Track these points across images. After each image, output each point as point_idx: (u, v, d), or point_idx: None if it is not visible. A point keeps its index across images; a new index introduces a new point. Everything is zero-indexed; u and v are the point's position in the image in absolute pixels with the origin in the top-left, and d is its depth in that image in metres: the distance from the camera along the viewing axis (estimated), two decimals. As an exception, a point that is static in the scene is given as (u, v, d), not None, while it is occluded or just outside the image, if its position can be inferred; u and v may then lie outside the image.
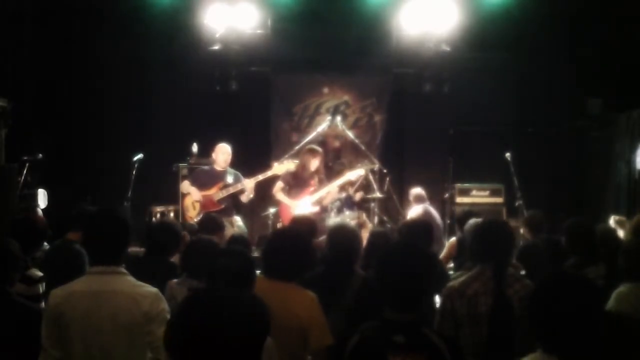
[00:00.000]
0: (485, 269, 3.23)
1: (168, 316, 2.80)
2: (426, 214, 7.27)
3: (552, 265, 4.30)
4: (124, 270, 2.85)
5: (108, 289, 2.77)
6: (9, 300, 3.10)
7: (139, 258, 4.44)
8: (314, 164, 7.10)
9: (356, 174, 7.30)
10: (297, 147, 8.12)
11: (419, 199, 7.63)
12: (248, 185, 6.96)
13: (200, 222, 5.24)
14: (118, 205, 7.11)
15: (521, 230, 7.32)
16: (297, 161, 7.28)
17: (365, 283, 3.61)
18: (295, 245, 3.28)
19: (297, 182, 7.17)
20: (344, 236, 3.87)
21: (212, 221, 4.99)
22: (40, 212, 6.04)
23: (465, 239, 4.79)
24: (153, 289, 2.86)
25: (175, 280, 3.66)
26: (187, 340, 1.63)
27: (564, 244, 4.50)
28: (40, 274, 3.90)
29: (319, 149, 7.34)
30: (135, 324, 2.72)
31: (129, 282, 2.82)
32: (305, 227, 4.31)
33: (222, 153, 7.16)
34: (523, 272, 3.93)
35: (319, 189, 7.09)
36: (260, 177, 7.05)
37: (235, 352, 1.62)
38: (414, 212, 7.38)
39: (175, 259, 4.41)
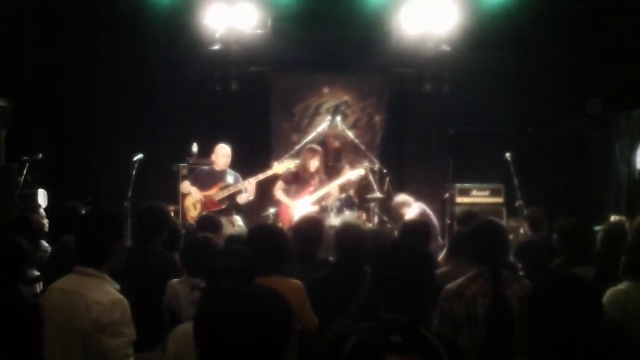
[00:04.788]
0: (483, 270, 3.22)
1: (124, 329, 2.68)
2: (423, 214, 7.26)
3: (547, 263, 4.32)
4: (98, 273, 2.77)
5: (73, 290, 2.73)
6: (21, 298, 3.11)
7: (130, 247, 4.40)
8: (314, 163, 7.11)
9: (356, 173, 7.30)
10: (297, 147, 8.11)
11: (407, 203, 7.50)
12: (249, 185, 6.96)
13: (198, 222, 5.24)
14: (117, 206, 7.10)
15: (521, 230, 7.35)
16: (297, 161, 7.29)
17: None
18: (272, 240, 3.41)
19: (297, 182, 7.19)
20: (351, 235, 3.84)
21: (209, 221, 4.99)
22: (42, 212, 6.02)
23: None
24: (114, 297, 2.73)
25: (176, 279, 3.67)
26: (211, 339, 1.63)
27: (555, 244, 4.51)
28: (37, 273, 3.90)
29: (319, 148, 7.35)
30: (84, 330, 2.65)
31: (95, 286, 2.73)
32: (311, 227, 4.30)
33: (222, 155, 7.17)
34: (521, 272, 3.93)
35: (319, 189, 7.10)
36: (261, 176, 7.05)
37: (260, 349, 1.62)
38: (411, 213, 7.34)
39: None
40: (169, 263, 4.02)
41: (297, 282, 3.38)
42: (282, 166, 7.16)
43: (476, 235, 3.42)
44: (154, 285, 3.65)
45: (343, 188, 7.36)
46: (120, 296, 2.77)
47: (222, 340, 1.62)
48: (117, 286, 2.83)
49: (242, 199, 7.06)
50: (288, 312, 1.72)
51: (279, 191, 7.20)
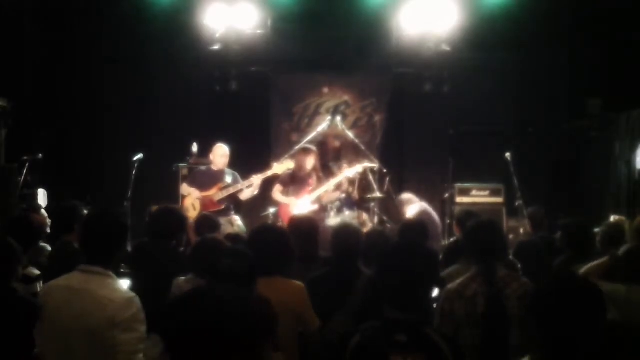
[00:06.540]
0: (481, 269, 3.23)
1: (138, 325, 2.72)
2: (423, 212, 7.28)
3: (547, 262, 4.34)
4: (105, 272, 2.80)
5: (82, 288, 2.74)
6: (16, 297, 3.12)
7: (144, 243, 4.49)
8: (309, 162, 7.14)
9: (354, 170, 7.31)
10: (297, 147, 8.11)
11: (410, 201, 7.62)
12: (255, 181, 6.96)
13: (196, 222, 5.25)
14: (118, 206, 7.11)
15: (521, 230, 7.37)
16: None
17: (372, 282, 3.61)
18: (274, 240, 3.40)
19: (295, 183, 7.19)
20: (348, 236, 3.86)
21: (207, 221, 5.01)
22: (44, 213, 6.02)
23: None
24: (127, 295, 2.77)
25: (182, 278, 3.68)
26: (184, 339, 1.62)
27: (559, 242, 4.52)
28: (37, 272, 3.90)
29: (313, 147, 7.40)
30: (98, 327, 2.66)
31: (104, 284, 2.76)
32: (305, 226, 4.31)
33: (220, 155, 7.16)
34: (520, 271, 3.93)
35: (317, 188, 7.10)
36: (261, 176, 7.05)
37: (235, 351, 1.60)
38: (411, 211, 7.38)
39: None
40: (178, 260, 4.07)
41: (299, 283, 3.37)
42: (281, 166, 7.15)
43: (472, 236, 3.45)
44: (162, 281, 3.68)
45: (343, 187, 7.36)
46: (133, 294, 2.81)
47: (190, 340, 1.60)
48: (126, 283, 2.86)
49: (246, 194, 7.05)
50: (263, 321, 1.69)
51: (277, 193, 7.19)
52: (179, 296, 1.73)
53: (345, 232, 3.90)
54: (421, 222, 4.79)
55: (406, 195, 7.67)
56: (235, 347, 1.60)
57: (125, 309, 2.69)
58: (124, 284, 3.16)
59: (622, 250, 3.74)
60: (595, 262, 3.85)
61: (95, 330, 2.66)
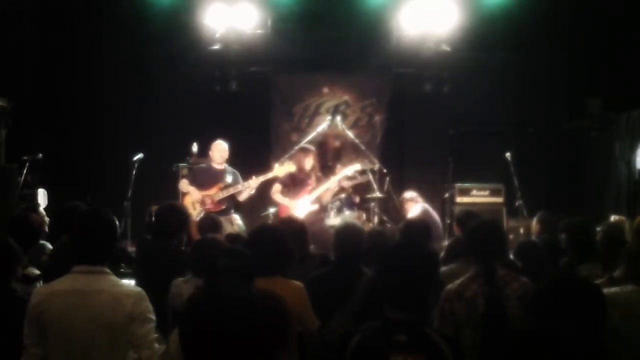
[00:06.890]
0: (481, 269, 3.23)
1: (151, 315, 2.80)
2: (425, 213, 7.29)
3: (549, 262, 4.35)
4: (107, 270, 2.84)
5: (90, 289, 2.76)
6: (15, 297, 3.13)
7: (146, 241, 4.49)
8: (308, 162, 7.16)
9: (352, 168, 7.32)
10: (296, 147, 8.11)
11: (413, 200, 7.64)
12: (253, 184, 6.97)
13: (199, 222, 5.27)
14: (118, 206, 7.11)
15: (521, 230, 7.37)
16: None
17: (373, 283, 3.61)
18: (274, 240, 3.38)
19: (294, 183, 7.19)
20: (351, 236, 3.85)
21: (210, 221, 5.02)
22: (42, 212, 6.03)
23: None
24: (136, 288, 2.87)
25: (181, 279, 3.68)
26: (197, 338, 1.62)
27: (562, 243, 4.53)
28: (37, 272, 3.90)
29: (311, 147, 7.40)
30: (116, 324, 2.71)
31: (111, 282, 2.82)
32: (297, 226, 4.32)
33: (219, 150, 7.17)
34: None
35: (317, 188, 7.11)
36: (262, 178, 7.05)
37: (248, 349, 1.60)
38: (414, 211, 7.38)
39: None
40: (178, 259, 4.07)
41: (298, 283, 3.37)
42: (282, 169, 7.14)
43: (472, 236, 3.45)
44: (162, 280, 3.69)
45: (343, 188, 7.36)
46: (139, 287, 2.90)
47: (207, 342, 1.60)
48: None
49: (243, 195, 7.06)
50: (280, 319, 1.69)
51: (277, 194, 7.19)
52: (187, 302, 1.74)
53: (348, 232, 3.90)
54: (424, 222, 4.80)
55: (410, 193, 7.68)
56: (241, 346, 1.59)
57: (139, 303, 2.77)
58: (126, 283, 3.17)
59: (617, 273, 3.72)
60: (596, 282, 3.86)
61: (114, 327, 2.70)
